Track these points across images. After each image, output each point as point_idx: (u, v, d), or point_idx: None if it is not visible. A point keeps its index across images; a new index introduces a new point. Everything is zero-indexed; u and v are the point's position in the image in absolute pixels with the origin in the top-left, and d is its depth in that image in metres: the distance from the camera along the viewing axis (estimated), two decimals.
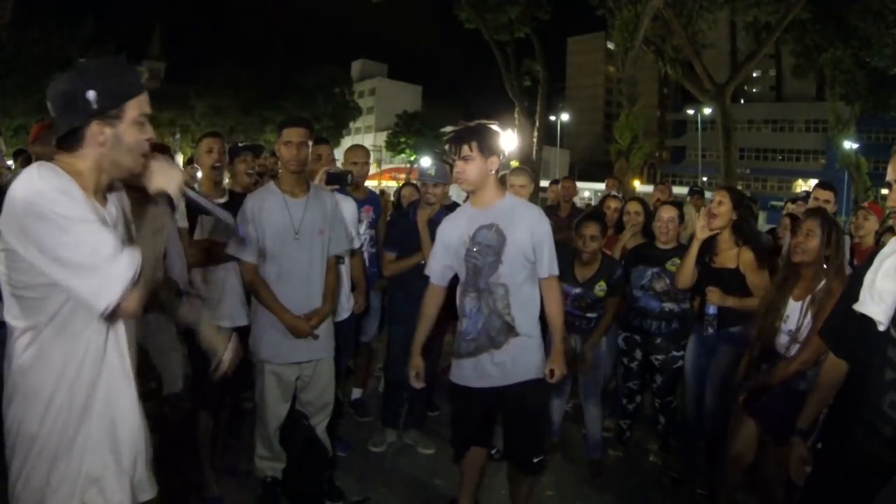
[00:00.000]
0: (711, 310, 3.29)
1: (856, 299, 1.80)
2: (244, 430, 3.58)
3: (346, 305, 3.61)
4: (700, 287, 3.40)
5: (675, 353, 3.67)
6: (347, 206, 3.57)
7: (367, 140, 51.82)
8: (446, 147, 2.50)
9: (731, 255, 3.35)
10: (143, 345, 2.59)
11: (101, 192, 1.59)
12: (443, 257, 2.66)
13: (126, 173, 1.59)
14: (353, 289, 3.71)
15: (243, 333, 3.04)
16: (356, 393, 4.43)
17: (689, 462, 3.71)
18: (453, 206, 3.95)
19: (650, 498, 3.55)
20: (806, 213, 2.97)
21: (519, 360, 2.53)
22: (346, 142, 36.63)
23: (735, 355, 3.21)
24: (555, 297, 2.64)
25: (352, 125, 46.42)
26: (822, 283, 2.74)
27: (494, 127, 2.54)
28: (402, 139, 46.60)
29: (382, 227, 4.19)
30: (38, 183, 1.41)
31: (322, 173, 3.26)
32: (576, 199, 6.75)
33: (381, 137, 51.56)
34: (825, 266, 2.76)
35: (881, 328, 1.68)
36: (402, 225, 3.74)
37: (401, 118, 48.05)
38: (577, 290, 3.57)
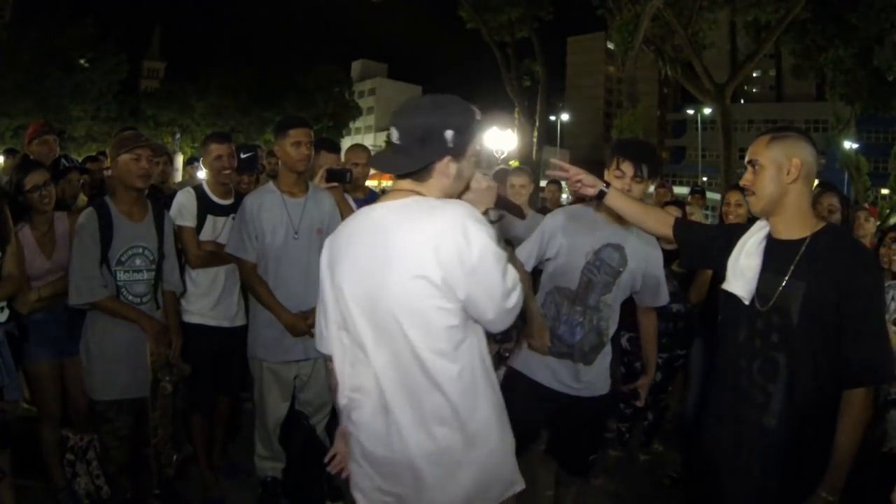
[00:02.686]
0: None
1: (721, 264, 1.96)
2: (244, 431, 3.58)
3: None
4: (711, 285, 3.40)
5: (678, 351, 3.69)
6: (348, 207, 3.56)
7: (367, 140, 51.80)
8: (615, 157, 2.44)
9: None
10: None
11: None
12: (539, 249, 2.57)
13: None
14: None
15: (242, 333, 3.05)
16: None
17: (689, 462, 3.71)
18: None
19: (650, 498, 3.56)
20: (820, 189, 3.01)
21: (602, 376, 2.56)
22: (346, 142, 36.64)
23: None
24: (653, 327, 2.76)
25: (352, 125, 46.38)
26: None
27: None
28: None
29: None
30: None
31: (322, 171, 3.27)
32: None
33: (381, 137, 51.54)
34: None
35: (745, 302, 1.84)
36: None
37: None
38: None
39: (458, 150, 1.58)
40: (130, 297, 2.67)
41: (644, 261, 2.48)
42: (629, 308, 3.84)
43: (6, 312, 2.64)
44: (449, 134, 1.55)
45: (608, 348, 2.54)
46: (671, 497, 3.55)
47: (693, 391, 3.59)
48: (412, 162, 1.57)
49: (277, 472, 3.02)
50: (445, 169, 1.59)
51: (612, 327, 2.52)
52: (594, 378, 2.51)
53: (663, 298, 2.60)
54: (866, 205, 4.52)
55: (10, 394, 2.62)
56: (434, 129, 1.55)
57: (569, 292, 2.47)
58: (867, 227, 4.18)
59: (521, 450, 2.49)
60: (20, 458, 2.88)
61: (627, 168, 2.36)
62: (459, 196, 1.68)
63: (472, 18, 23.47)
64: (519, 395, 2.46)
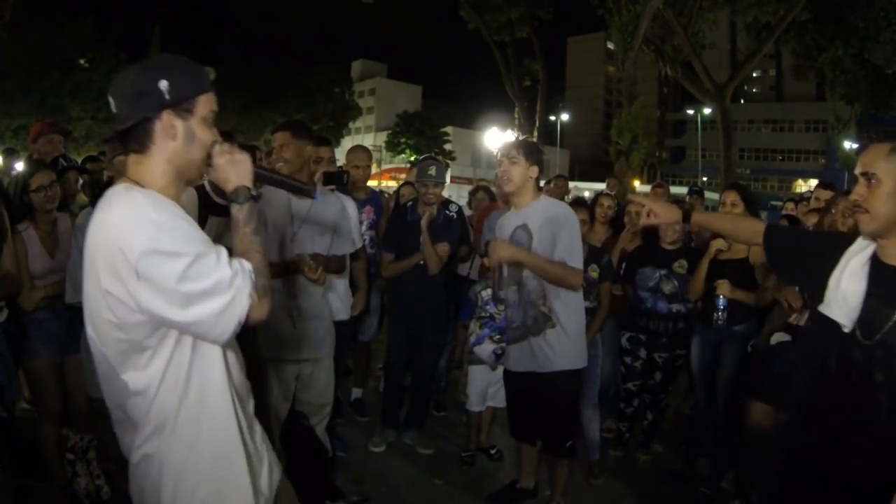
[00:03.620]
0: (722, 302, 3.29)
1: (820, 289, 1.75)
2: None
3: (346, 305, 3.61)
4: (707, 281, 3.41)
5: (678, 351, 3.70)
6: (348, 207, 3.57)
7: (367, 140, 51.82)
8: (498, 151, 2.89)
9: (741, 248, 3.37)
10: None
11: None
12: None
13: (197, 175, 1.50)
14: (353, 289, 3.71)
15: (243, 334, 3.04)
16: (356, 393, 4.43)
17: (691, 461, 3.71)
18: (446, 204, 3.96)
19: (650, 498, 3.55)
20: (841, 193, 3.06)
21: (557, 350, 2.80)
22: (346, 142, 36.65)
23: (742, 353, 3.24)
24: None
25: (352, 125, 46.39)
26: None
27: (540, 147, 2.98)
28: (402, 139, 46.59)
29: (383, 227, 4.20)
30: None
31: (319, 174, 3.27)
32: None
33: (381, 137, 51.57)
34: None
35: (845, 330, 1.66)
36: (400, 225, 3.75)
37: (401, 118, 48.04)
38: None
39: (179, 103, 1.39)
40: None
41: (549, 223, 2.77)
42: (628, 308, 3.88)
43: (5, 312, 2.64)
44: (164, 84, 1.37)
45: (565, 323, 2.81)
46: (671, 497, 3.55)
47: (700, 389, 3.60)
48: (123, 124, 1.39)
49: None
50: (168, 128, 1.39)
51: (563, 300, 2.79)
52: (548, 348, 2.80)
53: (568, 258, 2.75)
54: None
55: (10, 393, 2.62)
56: (144, 81, 1.37)
57: (507, 278, 2.81)
58: None
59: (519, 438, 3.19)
60: (20, 458, 2.88)
61: (502, 153, 2.87)
62: (200, 172, 1.48)
63: (472, 18, 23.49)
64: (507, 386, 3.14)
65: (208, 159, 1.47)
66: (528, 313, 2.81)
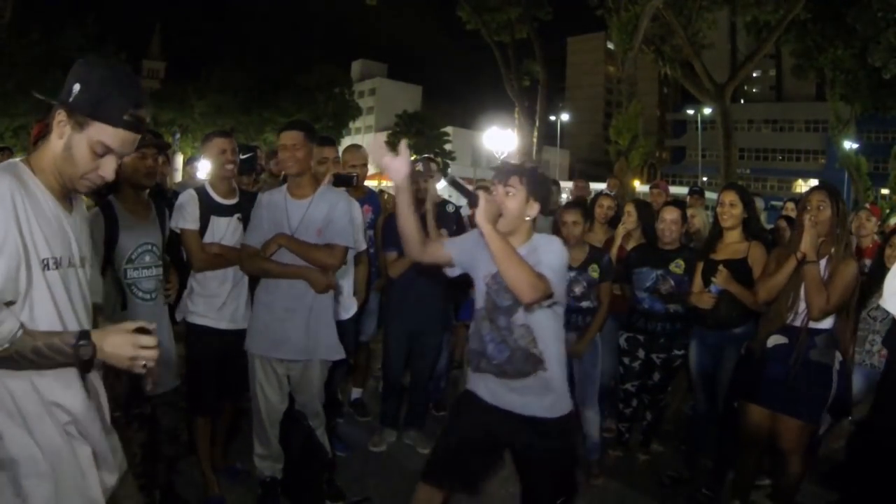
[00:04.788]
0: (714, 289, 3.30)
1: None
2: (244, 431, 3.58)
3: (349, 305, 3.61)
4: (705, 278, 3.42)
5: (676, 351, 3.71)
6: (353, 208, 3.57)
7: (367, 140, 51.75)
8: (494, 174, 2.33)
9: (740, 249, 3.38)
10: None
11: (67, 196, 1.55)
12: (462, 254, 2.36)
13: (79, 188, 1.53)
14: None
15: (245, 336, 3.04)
16: (356, 393, 4.43)
17: (691, 461, 3.72)
18: (443, 204, 3.96)
19: (650, 498, 3.56)
20: (811, 189, 3.04)
21: (546, 394, 2.25)
22: (346, 142, 36.63)
23: (740, 357, 3.24)
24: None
25: (352, 125, 46.39)
26: (834, 250, 2.86)
27: (549, 179, 2.40)
28: (402, 139, 46.59)
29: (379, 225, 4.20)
30: None
31: (329, 177, 3.28)
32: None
33: (381, 137, 51.46)
34: (837, 234, 2.87)
35: None
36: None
37: (401, 118, 48.06)
38: (572, 274, 3.59)
39: (77, 109, 1.42)
40: (140, 295, 2.67)
41: (543, 266, 2.15)
42: (626, 307, 3.88)
43: None
44: (76, 87, 1.42)
45: (557, 368, 2.24)
46: (671, 497, 3.55)
47: (699, 390, 3.60)
48: (44, 96, 1.51)
49: (277, 472, 3.02)
50: (58, 125, 1.45)
51: (554, 345, 2.25)
52: (534, 393, 2.23)
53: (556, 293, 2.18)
54: (867, 204, 4.54)
55: None
56: (72, 72, 1.46)
57: (482, 311, 2.31)
58: (868, 227, 4.18)
59: (478, 469, 2.30)
60: None
61: (499, 180, 2.27)
62: (78, 187, 1.51)
63: (471, 19, 23.49)
64: (463, 408, 2.37)
65: (88, 181, 1.50)
66: (518, 357, 2.23)
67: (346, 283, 3.58)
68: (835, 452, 3.94)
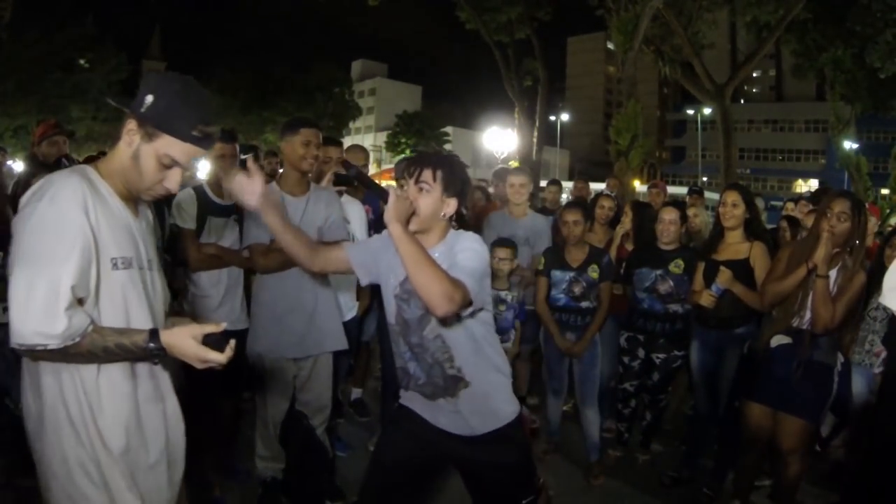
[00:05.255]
0: (716, 288, 3.30)
1: None
2: (244, 431, 3.58)
3: (351, 305, 3.61)
4: (706, 278, 3.42)
5: (676, 352, 3.71)
6: (355, 209, 3.58)
7: (367, 140, 51.87)
8: (403, 169, 2.06)
9: (742, 249, 3.38)
10: None
11: (134, 201, 1.61)
12: (365, 259, 2.10)
13: (145, 196, 1.60)
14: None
15: (243, 337, 3.04)
16: (356, 393, 4.43)
17: (691, 461, 3.72)
18: None
19: (650, 498, 3.56)
20: (835, 195, 2.93)
21: (479, 409, 2.02)
22: (346, 142, 36.57)
23: (742, 355, 3.25)
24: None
25: (352, 125, 46.44)
26: (846, 258, 2.83)
27: (467, 169, 2.10)
28: (402, 139, 46.64)
29: None
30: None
31: (330, 176, 3.28)
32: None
33: (381, 137, 51.60)
34: (853, 246, 2.82)
35: None
36: None
37: (401, 118, 48.10)
38: (572, 274, 3.59)
39: (147, 120, 1.48)
40: None
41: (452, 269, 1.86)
42: (626, 307, 3.88)
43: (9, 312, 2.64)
44: (148, 98, 1.48)
45: (483, 377, 2.01)
46: (671, 497, 3.55)
47: (700, 390, 3.61)
48: (117, 103, 1.57)
49: (278, 472, 3.02)
50: (127, 133, 1.51)
51: (476, 354, 2.00)
52: (467, 412, 2.00)
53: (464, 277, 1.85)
54: (867, 204, 4.56)
55: (12, 394, 2.62)
56: (144, 82, 1.52)
57: (395, 327, 2.05)
58: (868, 227, 4.17)
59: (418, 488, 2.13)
60: (20, 458, 2.88)
61: (409, 174, 1.97)
62: (144, 195, 1.59)
63: (471, 19, 23.47)
64: (398, 423, 2.15)
65: (153, 192, 1.56)
66: (437, 374, 2.00)
67: (349, 286, 3.58)
68: (835, 452, 3.94)
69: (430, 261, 1.77)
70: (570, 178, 28.02)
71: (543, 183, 9.24)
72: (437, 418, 2.05)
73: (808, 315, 2.85)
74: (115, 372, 1.52)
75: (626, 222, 4.17)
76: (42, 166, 3.03)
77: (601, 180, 10.07)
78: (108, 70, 30.35)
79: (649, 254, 3.76)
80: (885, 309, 2.86)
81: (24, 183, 2.86)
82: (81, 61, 28.88)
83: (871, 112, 23.61)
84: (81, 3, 29.47)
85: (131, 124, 1.49)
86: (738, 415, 3.13)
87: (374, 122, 61.55)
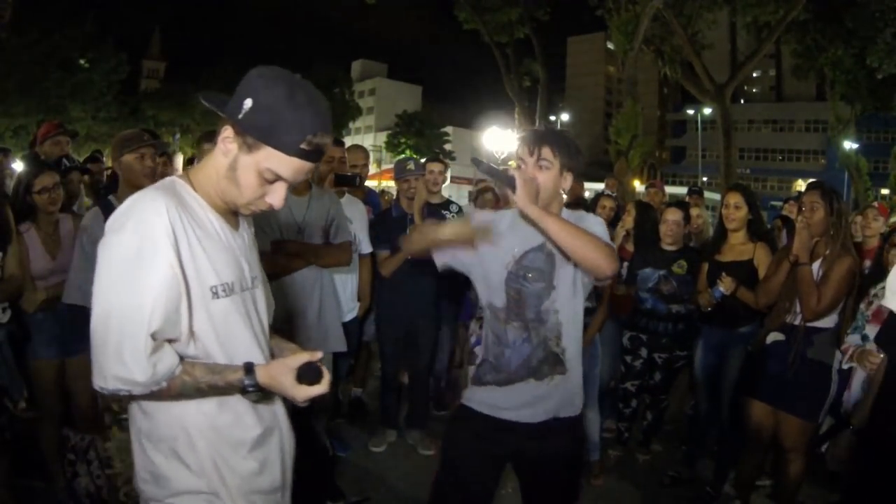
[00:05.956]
0: (717, 294, 3.30)
1: None
2: None
3: (352, 306, 3.62)
4: (709, 280, 3.43)
5: (678, 352, 3.71)
6: (358, 209, 3.58)
7: (367, 140, 51.83)
8: (522, 145, 2.01)
9: (745, 250, 3.39)
10: None
11: (232, 212, 1.41)
12: (458, 254, 2.08)
13: (243, 211, 1.39)
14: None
15: None
16: (356, 393, 4.44)
17: (691, 461, 3.72)
18: (447, 204, 3.96)
19: (650, 498, 3.56)
20: (805, 189, 3.03)
21: (562, 397, 2.03)
22: (347, 142, 36.59)
23: (745, 354, 3.25)
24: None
25: (352, 125, 46.42)
26: (829, 250, 2.85)
27: (577, 144, 2.10)
28: (402, 139, 46.62)
29: None
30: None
31: (331, 176, 3.29)
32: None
33: (381, 137, 51.57)
34: (831, 234, 2.86)
35: None
36: (388, 222, 3.76)
37: (401, 118, 48.07)
38: None
39: (247, 130, 1.25)
40: None
41: None
42: (627, 307, 3.88)
43: (8, 313, 2.64)
44: (247, 102, 1.24)
45: (575, 367, 2.04)
46: (671, 497, 3.55)
47: (703, 390, 3.61)
48: (210, 103, 1.33)
49: None
50: (223, 141, 1.29)
51: (577, 341, 2.05)
52: (548, 395, 2.01)
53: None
54: (875, 203, 4.53)
55: (12, 394, 2.62)
56: (244, 83, 1.28)
57: (499, 311, 2.03)
58: (874, 227, 4.16)
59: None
60: (20, 458, 2.89)
61: (528, 151, 1.97)
62: (241, 210, 1.38)
63: (471, 19, 23.49)
64: (463, 431, 2.09)
65: (253, 207, 1.35)
66: (536, 355, 2.01)
67: (350, 285, 3.58)
68: (834, 452, 3.94)
69: (579, 228, 1.84)
70: None
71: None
72: (506, 404, 2.02)
73: (799, 307, 2.87)
74: (234, 399, 1.38)
75: (628, 221, 4.17)
76: (43, 166, 3.03)
77: (601, 180, 10.07)
78: (108, 70, 30.38)
79: (652, 254, 3.76)
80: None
81: (26, 183, 2.85)
82: (81, 61, 28.89)
83: (871, 112, 23.64)
84: (81, 3, 29.46)
85: (227, 131, 1.27)
86: (740, 414, 3.13)
87: (374, 122, 61.53)
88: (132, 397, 1.28)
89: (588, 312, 3.60)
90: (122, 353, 1.20)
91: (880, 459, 2.11)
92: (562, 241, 1.82)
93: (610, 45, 43.28)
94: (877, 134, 37.04)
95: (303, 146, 1.26)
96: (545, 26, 24.58)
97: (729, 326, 3.40)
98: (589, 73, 76.38)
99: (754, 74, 54.45)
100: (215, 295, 1.32)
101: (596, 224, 2.00)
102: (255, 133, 1.25)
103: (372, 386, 4.73)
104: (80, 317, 2.75)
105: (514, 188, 1.80)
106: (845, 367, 2.87)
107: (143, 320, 1.21)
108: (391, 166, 4.50)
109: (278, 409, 1.54)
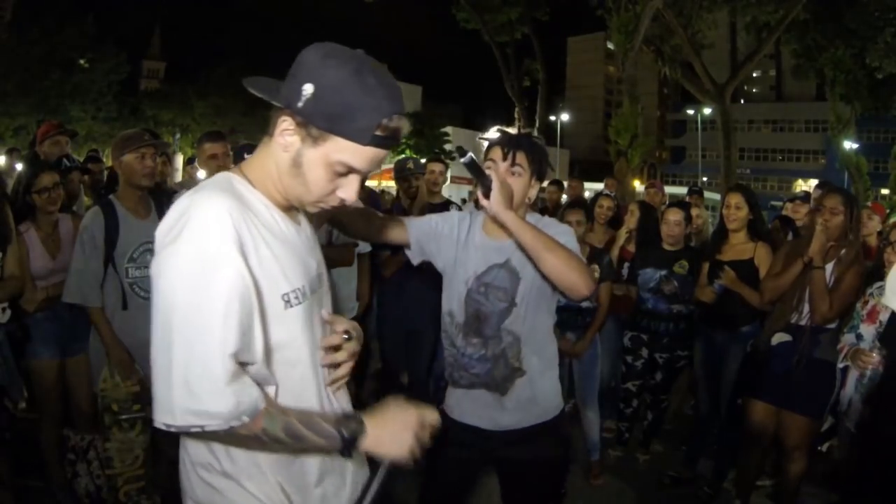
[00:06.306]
0: (718, 287, 3.30)
1: None
2: None
3: (351, 305, 3.61)
4: (710, 279, 3.44)
5: (679, 352, 3.72)
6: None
7: None
8: (495, 147, 1.90)
9: (746, 250, 3.39)
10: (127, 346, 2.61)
11: (293, 207, 1.24)
12: (427, 238, 2.01)
13: (294, 203, 1.22)
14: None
15: None
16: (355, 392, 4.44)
17: (691, 461, 3.72)
18: (446, 205, 3.95)
19: (650, 498, 3.56)
20: (827, 191, 3.02)
21: (530, 402, 2.00)
22: None
23: (746, 354, 3.26)
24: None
25: None
26: (842, 252, 2.86)
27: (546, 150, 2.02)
28: (402, 139, 46.59)
29: None
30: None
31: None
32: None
33: None
34: (849, 239, 2.87)
35: None
36: None
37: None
38: None
39: (310, 119, 1.07)
40: (143, 294, 2.67)
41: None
42: (628, 307, 3.89)
43: (8, 313, 2.64)
44: (307, 88, 1.06)
45: (533, 369, 1.98)
46: (671, 497, 3.55)
47: (703, 390, 3.61)
48: (259, 90, 1.13)
49: None
50: (281, 134, 1.10)
51: (540, 351, 2.00)
52: (516, 403, 1.98)
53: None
54: (869, 204, 4.55)
55: (12, 394, 2.62)
56: (298, 70, 1.10)
57: (458, 323, 1.98)
58: (870, 226, 4.18)
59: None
60: (20, 458, 2.89)
61: (502, 155, 1.85)
62: (308, 207, 1.20)
63: (471, 19, 23.50)
64: (448, 437, 1.95)
65: (322, 204, 1.18)
66: (498, 370, 1.97)
67: (349, 285, 3.58)
68: (834, 452, 3.94)
69: (557, 243, 1.72)
70: (570, 178, 28.04)
71: (544, 183, 9.29)
72: (483, 416, 2.01)
73: (806, 310, 2.87)
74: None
75: (631, 221, 4.17)
76: (43, 165, 3.03)
77: (601, 180, 10.07)
78: (108, 70, 30.38)
79: (653, 254, 3.76)
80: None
81: (25, 183, 2.84)
82: (81, 61, 28.90)
83: (871, 112, 23.64)
84: (81, 3, 29.47)
85: (286, 122, 1.09)
86: (741, 414, 3.13)
87: None
88: (201, 434, 1.05)
89: (588, 313, 3.63)
90: (190, 381, 1.00)
91: (879, 459, 2.11)
92: (538, 255, 1.70)
93: (610, 45, 43.27)
94: (877, 134, 37.04)
95: (378, 132, 1.09)
96: (545, 26, 24.62)
97: (728, 327, 3.40)
98: (589, 73, 76.36)
99: (754, 74, 54.45)
100: (288, 303, 1.15)
101: (565, 234, 1.87)
102: (321, 122, 1.07)
103: (371, 386, 4.72)
104: (79, 317, 2.77)
105: (488, 191, 1.67)
106: (841, 366, 2.88)
107: (216, 340, 1.01)
108: (391, 166, 4.49)
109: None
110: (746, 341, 3.28)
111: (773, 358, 2.95)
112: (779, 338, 2.96)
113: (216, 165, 3.05)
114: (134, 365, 2.61)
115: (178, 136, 35.67)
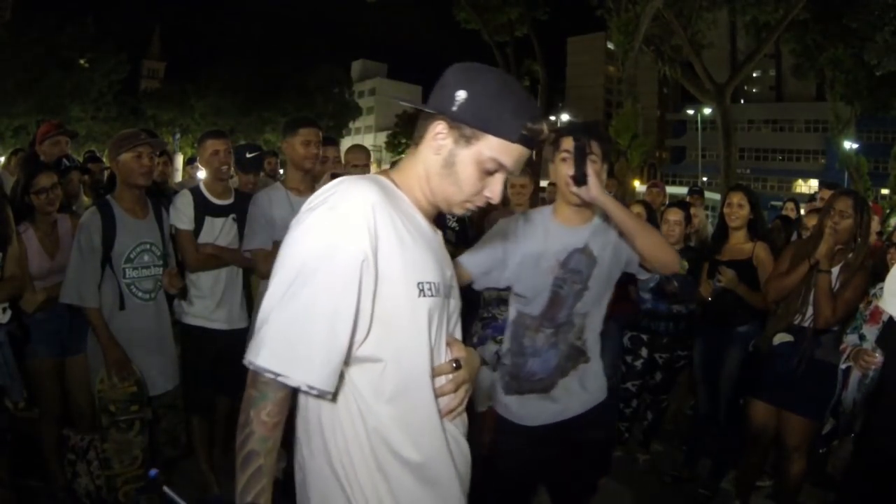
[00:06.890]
0: (718, 287, 3.31)
1: None
2: None
3: None
4: (710, 278, 3.44)
5: (679, 352, 3.72)
6: None
7: (367, 140, 51.84)
8: (567, 137, 1.96)
9: (744, 249, 3.40)
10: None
11: (431, 217, 1.32)
12: (491, 263, 2.07)
13: (441, 206, 1.29)
14: None
15: (243, 335, 3.04)
16: None
17: (691, 461, 3.72)
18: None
19: (650, 498, 3.56)
20: (838, 193, 2.98)
21: (589, 383, 2.13)
22: (346, 142, 36.67)
23: (745, 354, 3.26)
24: None
25: (352, 125, 46.39)
26: (850, 256, 2.84)
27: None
28: (403, 139, 46.62)
29: None
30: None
31: (327, 177, 3.29)
32: None
33: (381, 137, 51.63)
34: (857, 243, 2.84)
35: None
36: None
37: (401, 118, 48.07)
38: None
39: (465, 121, 1.19)
40: (140, 294, 2.67)
41: (610, 243, 2.05)
42: (627, 308, 3.88)
43: (8, 313, 2.64)
44: (461, 94, 1.19)
45: (592, 352, 2.13)
46: (671, 497, 3.55)
47: (702, 389, 3.61)
48: (409, 104, 1.30)
49: (279, 473, 3.01)
50: (434, 136, 1.22)
51: (592, 332, 2.11)
52: (578, 385, 2.11)
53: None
54: (869, 203, 4.55)
55: (12, 394, 2.62)
56: (448, 81, 1.23)
57: (533, 317, 2.06)
58: (870, 226, 4.18)
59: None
60: (20, 458, 2.89)
61: (583, 146, 1.89)
62: (452, 208, 1.28)
63: (471, 19, 23.51)
64: (509, 443, 2.17)
65: (469, 204, 1.27)
66: (564, 355, 2.07)
67: None
68: (833, 452, 3.94)
69: (648, 224, 1.95)
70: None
71: (544, 183, 9.26)
72: (541, 410, 2.10)
73: (809, 312, 2.86)
74: (422, 412, 1.25)
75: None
76: (45, 167, 3.02)
77: None
78: (108, 70, 30.39)
79: None
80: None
81: (24, 184, 2.84)
82: (81, 61, 28.91)
83: (871, 112, 23.62)
84: (81, 3, 29.49)
85: (439, 126, 1.21)
86: (741, 414, 3.13)
87: (373, 122, 61.56)
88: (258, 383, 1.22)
89: None
90: (290, 337, 1.12)
91: (876, 466, 2.11)
92: (634, 234, 1.89)
93: (610, 45, 43.30)
94: (877, 134, 37.02)
95: (524, 132, 1.21)
96: (545, 26, 24.60)
97: (726, 326, 3.40)
98: (589, 73, 76.35)
99: (754, 74, 54.41)
100: (422, 292, 1.20)
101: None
102: (475, 122, 1.19)
103: None
104: (79, 316, 2.78)
105: (580, 178, 1.81)
106: (843, 367, 2.88)
107: (341, 315, 1.11)
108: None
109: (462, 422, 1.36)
110: (745, 341, 3.28)
111: (774, 358, 2.95)
112: (780, 338, 2.95)
113: (218, 162, 3.05)
114: (131, 366, 2.61)
115: (178, 136, 35.69)
